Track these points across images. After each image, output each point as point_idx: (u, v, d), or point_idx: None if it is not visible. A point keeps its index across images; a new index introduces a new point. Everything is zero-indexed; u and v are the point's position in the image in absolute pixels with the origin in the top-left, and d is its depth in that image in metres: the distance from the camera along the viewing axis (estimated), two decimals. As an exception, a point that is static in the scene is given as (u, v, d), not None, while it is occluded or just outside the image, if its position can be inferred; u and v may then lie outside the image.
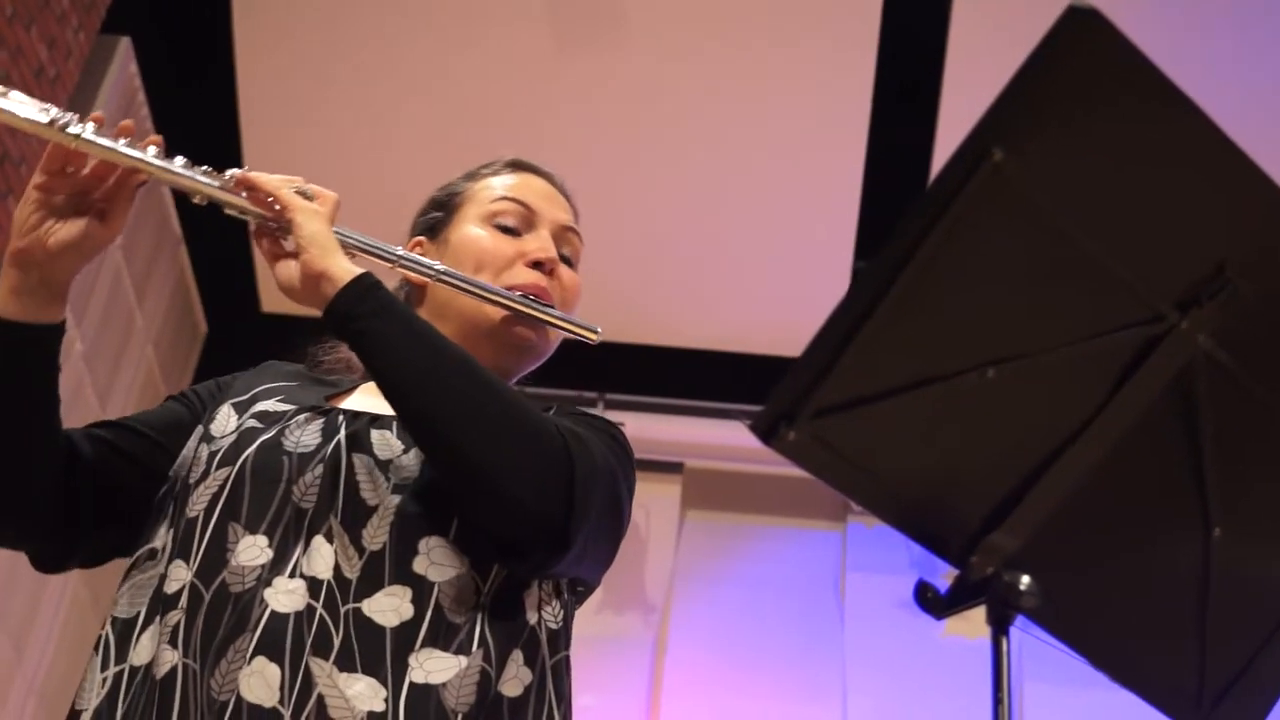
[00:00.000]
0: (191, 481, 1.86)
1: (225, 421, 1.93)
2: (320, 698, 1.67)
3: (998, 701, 1.43)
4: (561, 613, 1.89)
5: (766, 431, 1.40)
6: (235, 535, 1.78)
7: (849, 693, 5.91)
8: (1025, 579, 1.44)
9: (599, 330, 2.04)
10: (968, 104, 1.36)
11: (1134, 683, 1.55)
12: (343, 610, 1.73)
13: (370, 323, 1.79)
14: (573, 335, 2.04)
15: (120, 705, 1.77)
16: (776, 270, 5.76)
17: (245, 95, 5.72)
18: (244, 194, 1.89)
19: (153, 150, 1.86)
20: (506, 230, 2.09)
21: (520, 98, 5.70)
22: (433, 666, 1.71)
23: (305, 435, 1.86)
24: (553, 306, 2.04)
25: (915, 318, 1.40)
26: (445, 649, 1.73)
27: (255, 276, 6.30)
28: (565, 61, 5.63)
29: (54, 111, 1.83)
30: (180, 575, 1.78)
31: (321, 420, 1.89)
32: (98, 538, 1.93)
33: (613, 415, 2.03)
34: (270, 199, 1.87)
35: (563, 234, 2.13)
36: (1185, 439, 1.50)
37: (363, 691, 1.68)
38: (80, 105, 5.23)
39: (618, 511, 1.87)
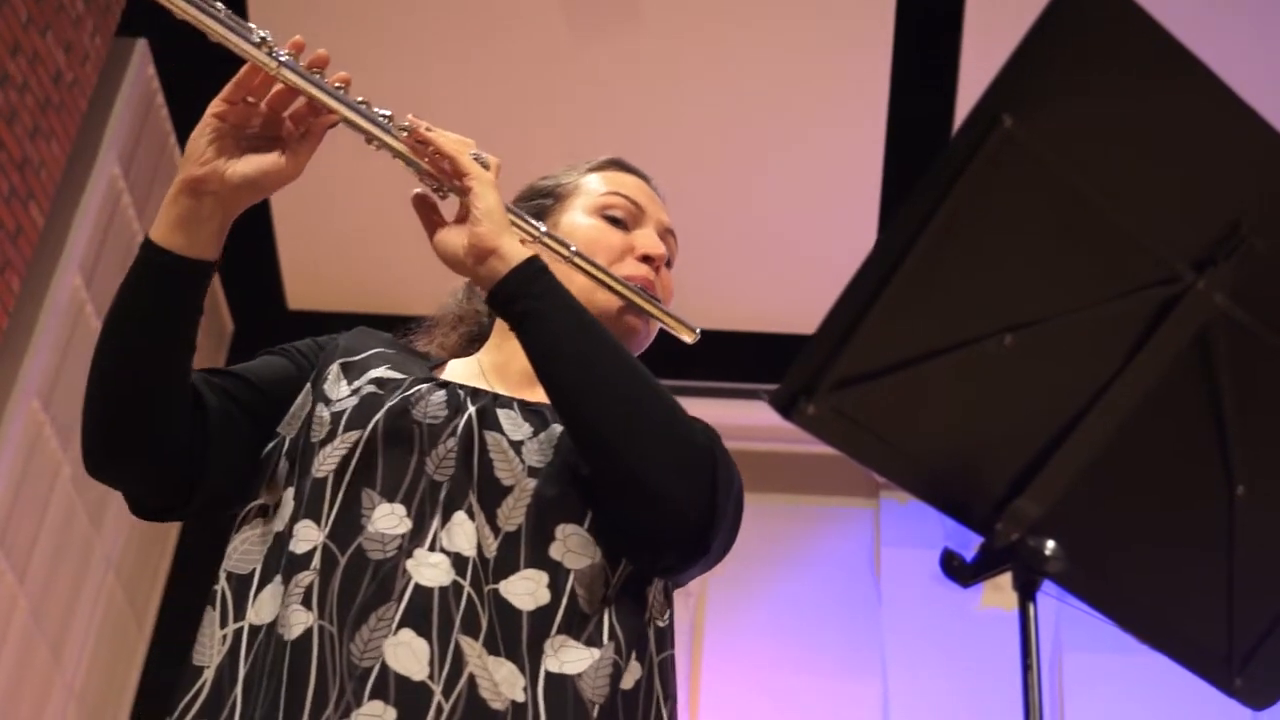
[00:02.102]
0: (315, 441, 1.84)
1: (337, 383, 1.91)
2: (471, 678, 1.66)
3: (1026, 668, 1.43)
4: (668, 612, 1.89)
5: (786, 406, 1.40)
6: (370, 501, 1.77)
7: (888, 668, 5.91)
8: (1050, 544, 1.44)
9: (698, 331, 2.05)
10: (987, 74, 1.36)
11: (1163, 644, 1.55)
12: (486, 590, 1.73)
13: (537, 304, 1.79)
14: (674, 331, 2.05)
15: (243, 663, 1.75)
16: (800, 249, 5.75)
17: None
18: (422, 151, 1.88)
19: (338, 86, 1.85)
20: (616, 221, 2.10)
21: (537, 84, 5.70)
22: (567, 657, 1.71)
23: (431, 407, 1.85)
24: (660, 301, 2.05)
25: (930, 287, 1.40)
26: (578, 639, 1.73)
27: (280, 274, 6.32)
28: (581, 46, 5.63)
29: (262, 33, 1.82)
30: (311, 535, 1.76)
31: (443, 392, 1.88)
32: (208, 488, 1.89)
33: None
34: (447, 161, 1.87)
35: (664, 235, 2.14)
36: (1205, 398, 1.50)
37: (508, 677, 1.68)
38: (99, 109, 5.25)
39: (739, 517, 1.87)
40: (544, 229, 1.96)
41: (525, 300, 1.79)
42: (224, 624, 1.81)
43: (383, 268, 5.74)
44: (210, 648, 1.81)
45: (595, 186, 2.14)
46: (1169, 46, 1.39)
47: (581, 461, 1.79)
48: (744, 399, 6.06)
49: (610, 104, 5.68)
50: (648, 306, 2.01)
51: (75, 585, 5.36)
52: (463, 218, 1.87)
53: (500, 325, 2.08)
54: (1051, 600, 1.50)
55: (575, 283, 1.96)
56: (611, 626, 1.76)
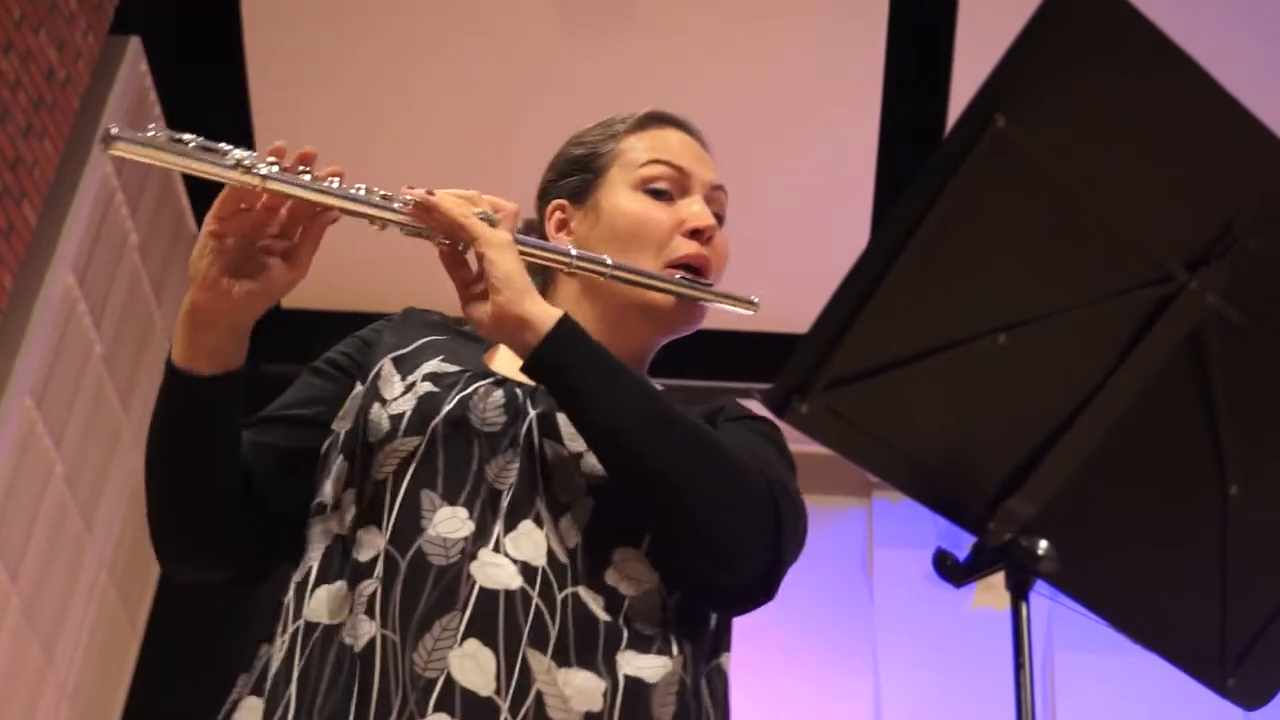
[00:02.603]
0: (372, 442, 1.82)
1: (390, 380, 1.89)
2: (539, 694, 1.64)
3: (1019, 666, 1.43)
4: (727, 620, 1.88)
5: (779, 405, 1.40)
6: (431, 503, 1.75)
7: (881, 667, 5.92)
8: (1043, 543, 1.44)
9: (756, 301, 2.02)
10: (981, 74, 1.36)
11: (1156, 644, 1.55)
12: (559, 596, 1.70)
13: (575, 377, 1.74)
14: (734, 309, 2.02)
15: (298, 661, 1.74)
16: (793, 248, 5.75)
17: (256, 91, 5.72)
18: (428, 219, 1.82)
19: (334, 181, 1.79)
20: (660, 194, 2.04)
21: (529, 81, 5.70)
22: (641, 664, 1.70)
23: (489, 411, 1.82)
24: (711, 281, 2.01)
25: (924, 286, 1.40)
26: (646, 652, 1.71)
27: (273, 273, 6.32)
28: (574, 44, 5.63)
29: (236, 153, 1.75)
30: (374, 543, 1.75)
31: (501, 393, 1.85)
32: (293, 534, 1.88)
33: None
34: (454, 229, 1.81)
35: (713, 194, 2.08)
36: (1198, 398, 1.50)
37: (582, 687, 1.65)
38: (92, 106, 5.24)
39: (804, 541, 1.86)
40: (575, 253, 1.91)
41: (563, 374, 1.75)
42: (284, 630, 1.79)
43: (370, 266, 5.73)
44: (271, 658, 1.79)
45: (635, 155, 2.07)
46: (1162, 46, 1.39)
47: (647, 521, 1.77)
48: (738, 398, 6.05)
49: (603, 102, 5.65)
50: (698, 294, 1.98)
51: (68, 584, 5.35)
52: (485, 288, 1.80)
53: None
54: (1044, 600, 1.50)
55: (624, 287, 1.95)
56: (679, 640, 1.74)
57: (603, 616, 1.71)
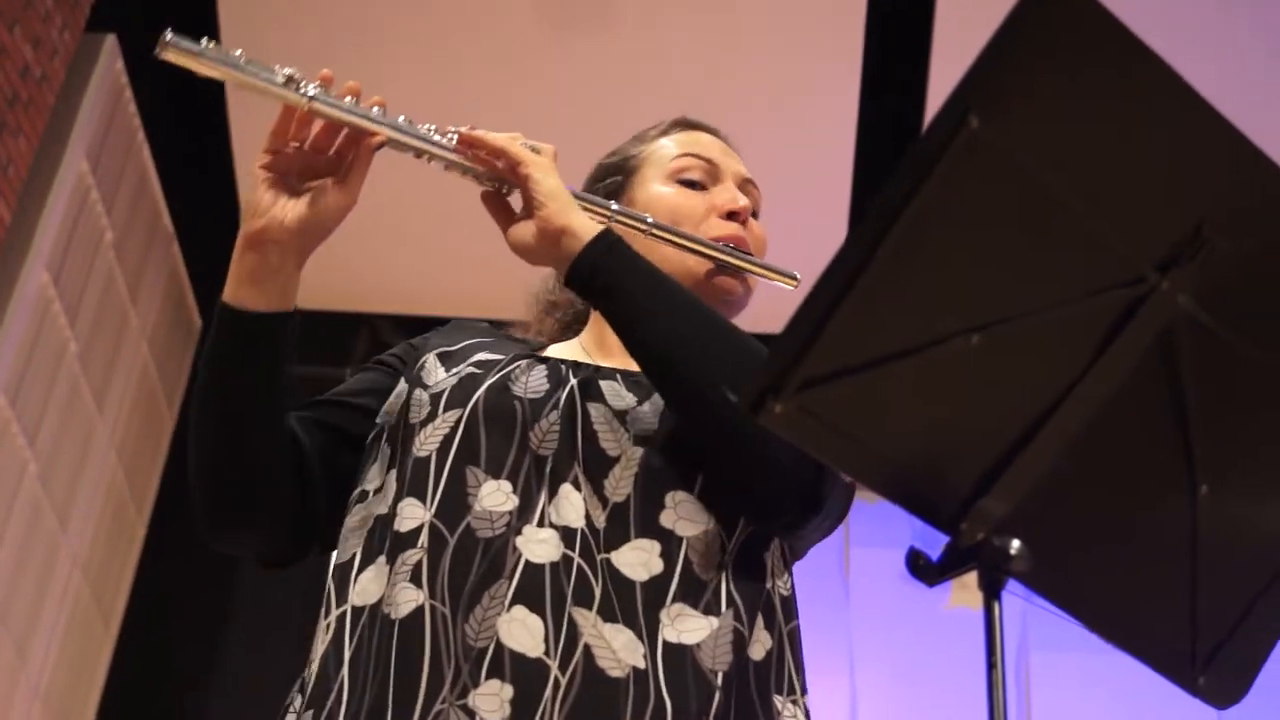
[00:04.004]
0: (415, 422, 1.84)
1: (435, 369, 1.91)
2: (587, 648, 1.66)
3: (991, 666, 1.43)
4: (790, 581, 1.88)
5: (753, 405, 1.40)
6: (475, 479, 1.76)
7: (856, 666, 5.93)
8: (1015, 543, 1.44)
9: (799, 276, 2.03)
10: (957, 74, 1.37)
11: (1127, 643, 1.56)
12: (598, 559, 1.71)
13: (615, 278, 1.78)
14: (774, 281, 2.04)
15: (348, 646, 1.74)
16: (769, 248, 5.75)
17: (233, 90, 5.69)
18: (469, 154, 1.87)
19: (377, 110, 1.84)
20: (692, 185, 2.08)
21: (507, 81, 5.70)
22: (684, 626, 1.70)
23: (532, 381, 1.84)
24: (752, 255, 2.03)
25: (897, 287, 1.40)
26: (695, 607, 1.72)
27: (249, 272, 6.30)
28: (550, 44, 5.63)
29: (287, 70, 1.79)
30: (417, 514, 1.76)
31: (544, 367, 1.87)
32: (330, 521, 1.90)
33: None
34: (499, 157, 1.86)
35: (744, 186, 2.12)
36: (1170, 399, 1.50)
37: (627, 644, 1.67)
38: (67, 105, 5.23)
39: (850, 492, 1.87)
40: (616, 206, 1.95)
41: (604, 275, 1.78)
42: (327, 614, 1.80)
43: (353, 267, 5.73)
44: (316, 642, 1.80)
45: (666, 152, 2.12)
46: (1135, 48, 1.40)
47: (685, 425, 1.78)
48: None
49: (581, 101, 5.67)
50: (738, 262, 2.00)
51: (41, 584, 5.34)
52: (529, 209, 1.85)
53: None
54: (1018, 599, 1.51)
55: (661, 254, 1.95)
56: (730, 594, 1.75)
57: (641, 576, 1.71)
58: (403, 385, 1.92)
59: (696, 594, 1.73)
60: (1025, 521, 1.47)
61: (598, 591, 1.69)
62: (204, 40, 1.78)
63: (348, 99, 1.82)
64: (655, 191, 2.07)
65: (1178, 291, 1.47)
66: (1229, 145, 1.45)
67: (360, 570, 1.79)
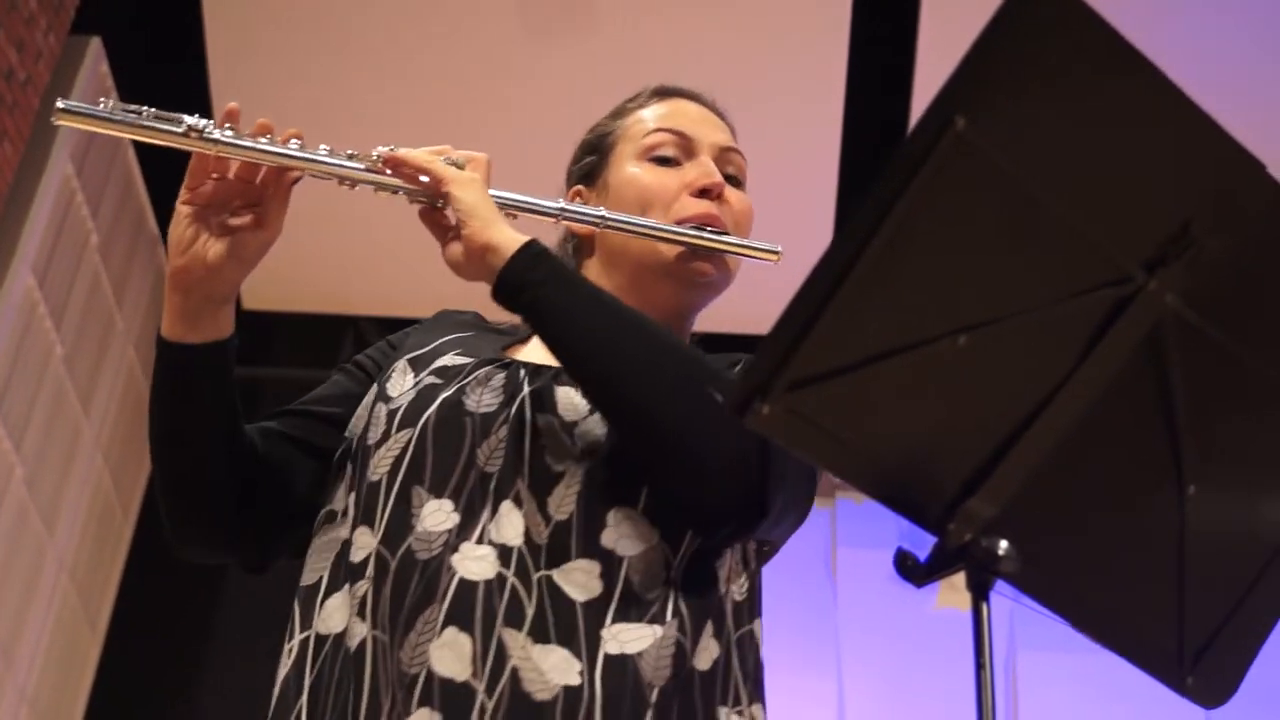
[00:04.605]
0: (371, 443, 1.83)
1: (402, 379, 1.89)
2: (515, 670, 1.64)
3: (979, 667, 1.43)
4: (747, 584, 1.85)
5: (740, 406, 1.40)
6: (419, 499, 1.75)
7: (844, 667, 5.93)
8: (1003, 544, 1.44)
9: (780, 250, 1.99)
10: (943, 75, 1.37)
11: (1115, 643, 1.56)
12: (535, 577, 1.69)
13: (541, 291, 1.73)
14: (752, 258, 1.99)
15: (309, 673, 1.74)
16: (756, 249, 5.75)
17: (218, 92, 5.70)
18: (392, 173, 1.85)
19: (295, 144, 1.81)
20: (665, 161, 2.03)
21: (490, 81, 5.70)
22: (627, 637, 1.68)
23: (487, 394, 1.81)
24: (726, 233, 1.98)
25: (885, 288, 1.40)
26: (638, 620, 1.69)
27: (235, 274, 6.29)
28: (534, 44, 5.62)
29: (189, 120, 1.77)
30: (366, 543, 1.75)
31: (503, 375, 1.84)
32: (295, 530, 1.91)
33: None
34: (422, 175, 1.83)
35: (724, 155, 2.07)
36: (1157, 399, 1.50)
37: (558, 664, 1.64)
38: (52, 106, 5.21)
39: (810, 485, 1.84)
40: (560, 206, 1.92)
41: (529, 290, 1.74)
42: (291, 637, 1.81)
43: (335, 268, 5.72)
44: (280, 664, 1.81)
45: (639, 128, 2.07)
46: (1120, 47, 1.40)
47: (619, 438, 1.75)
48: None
49: (564, 101, 5.66)
50: (708, 243, 1.95)
51: (28, 588, 5.33)
52: (455, 227, 1.82)
53: None
54: (1006, 600, 1.51)
55: (631, 244, 1.94)
56: (676, 606, 1.72)
57: (582, 596, 1.69)
58: (369, 396, 1.92)
59: (639, 610, 1.70)
60: (1013, 522, 1.47)
61: (530, 611, 1.67)
62: (102, 101, 1.78)
63: (263, 138, 1.80)
64: (627, 172, 2.03)
65: (1165, 291, 1.47)
66: (1216, 144, 1.45)
67: (326, 596, 1.79)
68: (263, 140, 1.80)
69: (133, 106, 1.79)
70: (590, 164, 2.09)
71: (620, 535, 1.73)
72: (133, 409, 6.14)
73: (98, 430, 5.82)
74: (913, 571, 1.50)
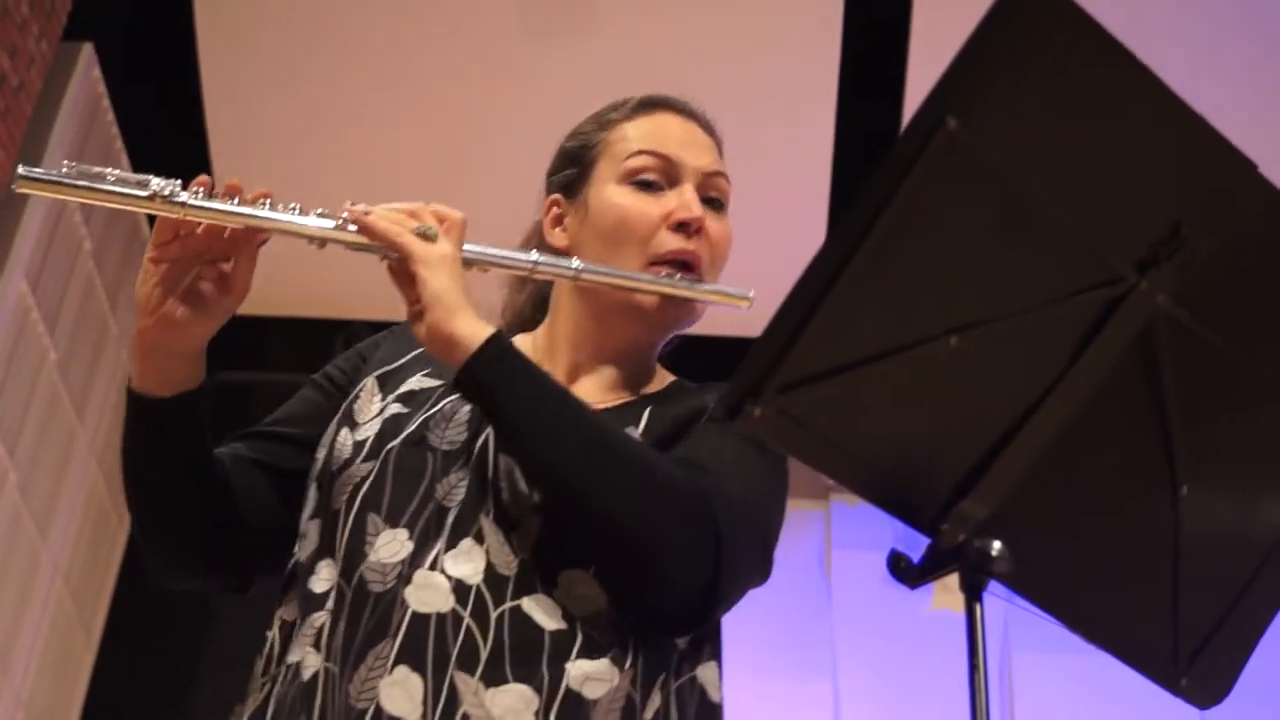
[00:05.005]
0: (334, 469, 1.83)
1: (369, 401, 1.89)
2: (465, 716, 1.63)
3: (973, 668, 1.43)
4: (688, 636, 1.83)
5: (732, 409, 1.40)
6: (375, 528, 1.75)
7: (839, 669, 5.93)
8: (996, 544, 1.44)
9: (751, 296, 1.95)
10: (935, 77, 1.37)
11: (1110, 644, 1.56)
12: (494, 614, 1.69)
13: (503, 401, 1.71)
14: (725, 305, 1.96)
15: (271, 704, 1.75)
16: (747, 251, 5.75)
17: (211, 95, 5.69)
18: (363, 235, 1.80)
19: (265, 203, 1.78)
20: (648, 186, 1.98)
21: (489, 84, 5.69)
22: (590, 670, 1.68)
23: (451, 430, 1.81)
24: (700, 278, 1.95)
25: (876, 289, 1.40)
26: (598, 658, 1.69)
27: (228, 279, 6.29)
28: (533, 46, 5.62)
29: (154, 183, 1.75)
30: (328, 575, 1.77)
31: (469, 407, 1.83)
32: (272, 551, 1.91)
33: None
34: (389, 248, 1.79)
35: (708, 180, 2.01)
36: (1149, 399, 1.51)
37: (512, 705, 1.64)
38: (44, 114, 5.21)
39: (767, 550, 1.83)
40: (535, 259, 1.89)
41: (488, 397, 1.72)
42: (266, 670, 1.81)
43: (326, 273, 5.71)
44: (249, 695, 1.81)
45: (623, 146, 2.02)
46: (1111, 48, 1.40)
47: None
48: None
49: (563, 103, 5.65)
50: (682, 294, 1.93)
51: (22, 593, 5.32)
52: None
53: (554, 303, 2.02)
54: (1001, 601, 1.51)
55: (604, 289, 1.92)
56: (632, 659, 1.71)
57: (550, 625, 1.69)
58: (336, 419, 1.91)
59: (598, 651, 1.70)
60: (1006, 523, 1.47)
61: (485, 653, 1.66)
62: (64, 165, 1.76)
63: (231, 200, 1.77)
64: (608, 195, 1.98)
65: (1157, 291, 1.47)
66: (1207, 144, 1.45)
67: (297, 628, 1.79)
68: (231, 201, 1.77)
69: (97, 170, 1.77)
70: (571, 176, 2.05)
71: (571, 597, 1.72)
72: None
73: (92, 435, 5.81)
74: (907, 573, 1.50)
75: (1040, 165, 1.42)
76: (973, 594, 1.46)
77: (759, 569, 1.81)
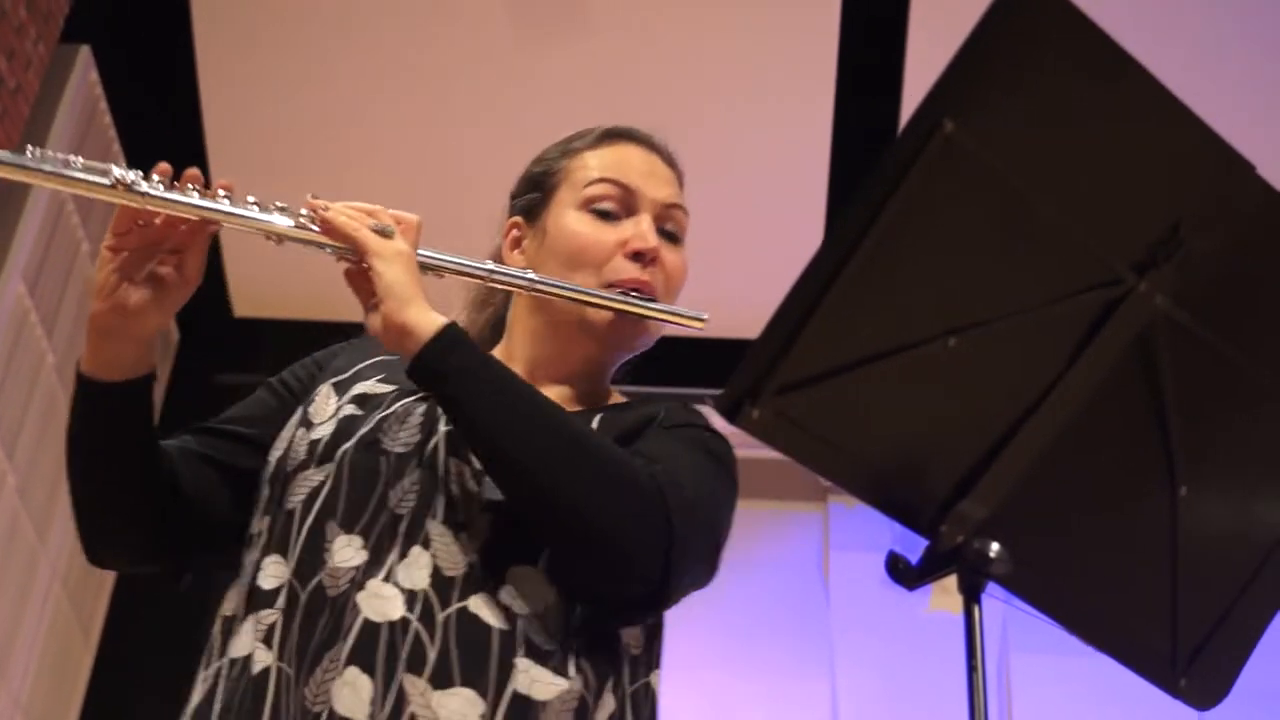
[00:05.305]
0: (290, 469, 1.85)
1: (325, 404, 1.91)
2: (413, 717, 1.64)
3: (972, 669, 1.43)
4: (644, 637, 1.85)
5: (730, 410, 1.40)
6: (332, 534, 1.76)
7: (837, 671, 5.92)
8: (995, 546, 1.44)
9: (705, 317, 1.97)
10: (932, 77, 1.37)
11: (1108, 646, 1.56)
12: (440, 616, 1.70)
13: (456, 388, 1.73)
14: (677, 324, 1.97)
15: (219, 699, 1.76)
16: (745, 253, 5.76)
17: (208, 98, 5.69)
18: (320, 232, 1.82)
19: (223, 195, 1.80)
20: (606, 215, 2.00)
21: (483, 87, 5.69)
22: (537, 676, 1.69)
23: (403, 432, 1.83)
24: (654, 299, 1.97)
25: (874, 290, 1.40)
26: (544, 665, 1.70)
27: (225, 282, 6.29)
28: (526, 49, 5.62)
29: (116, 172, 1.78)
30: (278, 572, 1.77)
31: (422, 409, 1.85)
32: (217, 548, 1.92)
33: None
34: (346, 244, 1.81)
35: (665, 212, 2.03)
36: (1148, 400, 1.51)
37: (459, 708, 1.65)
38: (42, 116, 5.20)
39: (715, 550, 1.82)
40: (490, 268, 1.90)
41: (442, 385, 1.75)
42: (207, 665, 1.82)
43: (328, 275, 5.71)
44: (194, 692, 1.81)
45: (584, 174, 2.03)
46: (1108, 50, 1.40)
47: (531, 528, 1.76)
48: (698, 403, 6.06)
49: (557, 107, 5.66)
50: (636, 310, 1.94)
51: (21, 596, 5.32)
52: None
53: (510, 322, 2.04)
54: (999, 602, 1.50)
55: (558, 303, 1.93)
56: (577, 662, 1.73)
57: (497, 624, 1.70)
58: (293, 419, 1.93)
59: (542, 659, 1.71)
60: (1005, 524, 1.47)
61: (433, 656, 1.68)
62: (29, 150, 1.78)
63: (190, 188, 1.79)
64: (566, 220, 2.00)
65: (1155, 292, 1.47)
66: (1205, 145, 1.45)
67: (241, 622, 1.80)
68: (192, 193, 1.79)
69: (62, 156, 1.79)
70: (532, 200, 2.07)
71: (518, 594, 1.73)
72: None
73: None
74: (904, 574, 1.50)
75: (1038, 167, 1.42)
76: (971, 595, 1.46)
77: (706, 566, 1.81)
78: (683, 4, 5.55)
